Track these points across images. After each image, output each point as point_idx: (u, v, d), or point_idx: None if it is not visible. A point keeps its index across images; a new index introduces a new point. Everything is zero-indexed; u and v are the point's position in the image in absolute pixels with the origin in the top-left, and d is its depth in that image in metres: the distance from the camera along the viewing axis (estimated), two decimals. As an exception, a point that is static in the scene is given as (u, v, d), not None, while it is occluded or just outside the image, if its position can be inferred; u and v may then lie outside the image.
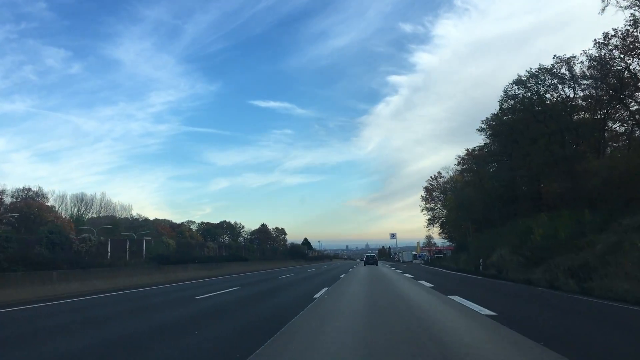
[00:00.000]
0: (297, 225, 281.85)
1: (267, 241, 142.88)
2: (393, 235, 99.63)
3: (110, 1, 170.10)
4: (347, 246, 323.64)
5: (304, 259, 58.58)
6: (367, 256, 69.01)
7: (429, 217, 68.50)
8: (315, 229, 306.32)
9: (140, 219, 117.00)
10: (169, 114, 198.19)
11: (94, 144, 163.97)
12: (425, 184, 65.75)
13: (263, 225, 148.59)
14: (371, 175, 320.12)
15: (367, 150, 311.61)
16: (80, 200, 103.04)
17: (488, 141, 48.70)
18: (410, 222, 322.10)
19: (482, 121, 47.70)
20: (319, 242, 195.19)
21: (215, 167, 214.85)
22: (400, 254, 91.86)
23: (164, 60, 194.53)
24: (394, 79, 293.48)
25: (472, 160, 50.43)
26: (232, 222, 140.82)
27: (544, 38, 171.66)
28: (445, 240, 74.99)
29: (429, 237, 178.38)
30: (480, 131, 48.30)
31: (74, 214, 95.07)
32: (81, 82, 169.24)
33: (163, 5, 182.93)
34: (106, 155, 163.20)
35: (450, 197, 47.68)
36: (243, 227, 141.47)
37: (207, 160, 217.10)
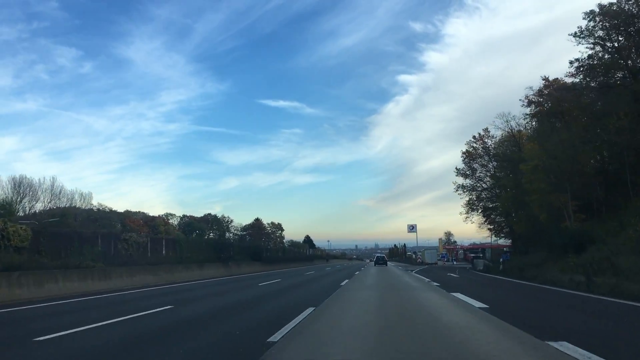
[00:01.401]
0: (306, 224, 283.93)
1: (261, 238, 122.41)
2: (412, 228, 76.04)
3: (121, 0, 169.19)
4: (356, 245, 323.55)
5: (259, 262, 35.27)
6: (377, 257, 75.41)
7: (467, 198, 47.27)
8: (324, 228, 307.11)
9: (106, 210, 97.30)
10: (179, 113, 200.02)
11: (105, 143, 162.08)
12: (465, 147, 44.43)
13: (257, 219, 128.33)
14: (381, 175, 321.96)
15: (377, 150, 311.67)
16: (19, 184, 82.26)
17: (592, 51, 27.55)
18: (420, 222, 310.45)
19: (585, 14, 26.69)
20: (328, 241, 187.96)
21: (225, 166, 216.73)
22: (419, 254, 69.54)
23: (174, 59, 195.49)
24: (403, 78, 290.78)
25: (557, 94, 29.26)
26: (219, 215, 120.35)
27: (556, 37, 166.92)
28: (490, 235, 53.54)
29: (448, 234, 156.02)
30: (579, 37, 27.28)
31: (14, 200, 75.16)
32: (92, 81, 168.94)
33: (173, 5, 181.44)
34: (117, 154, 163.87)
35: (533, 148, 26.41)
36: (231, 221, 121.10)
37: (217, 160, 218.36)
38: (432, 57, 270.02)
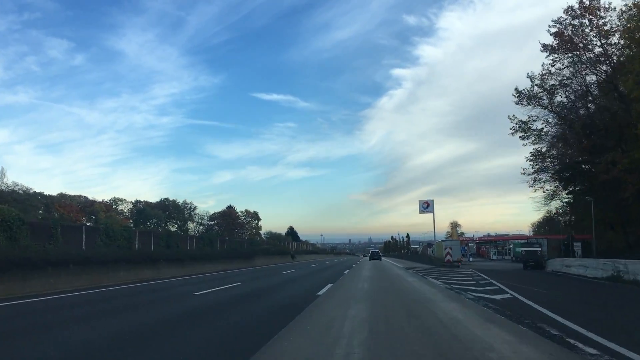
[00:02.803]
0: (300, 218, 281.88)
1: (233, 229, 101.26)
2: (427, 206, 51.32)
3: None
4: (349, 240, 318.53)
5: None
6: (372, 252, 79.40)
7: (539, 147, 26.44)
8: (318, 222, 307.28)
9: (29, 192, 75.76)
10: (172, 107, 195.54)
11: (97, 136, 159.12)
12: (551, 28, 22.72)
13: (229, 207, 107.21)
14: (374, 169, 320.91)
15: (371, 144, 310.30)
16: None
17: None
18: (413, 217, 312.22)
19: None
20: (321, 235, 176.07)
21: (219, 160, 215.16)
22: (446, 248, 45.98)
23: (167, 52, 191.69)
24: (397, 72, 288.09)
25: None
26: (180, 201, 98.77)
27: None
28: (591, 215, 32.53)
29: (454, 225, 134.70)
30: None
31: None
32: (84, 73, 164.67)
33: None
34: (110, 147, 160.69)
35: None
36: (195, 207, 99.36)
37: (211, 153, 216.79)
38: (426, 50, 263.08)
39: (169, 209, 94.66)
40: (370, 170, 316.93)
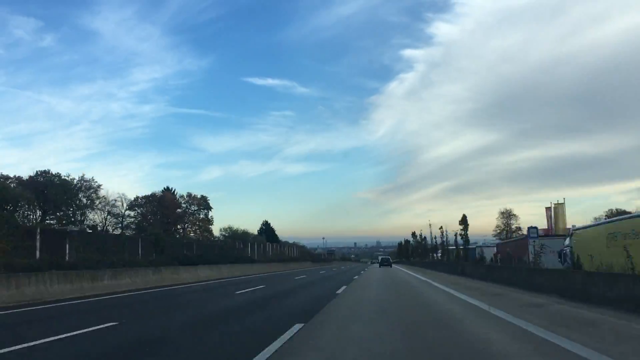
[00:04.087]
0: (300, 219, 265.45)
1: (168, 222, 64.23)
2: None
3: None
4: (355, 243, 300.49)
5: None
6: (382, 258, 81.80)
7: None
8: (320, 224, 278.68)
9: None
10: (153, 93, 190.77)
11: (70, 127, 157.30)
12: None
13: (167, 189, 70.80)
14: (383, 164, 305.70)
15: (378, 135, 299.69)
16: None
17: None
18: (428, 217, 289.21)
19: None
20: (323, 238, 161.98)
21: (207, 154, 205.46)
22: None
23: (148, 31, 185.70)
24: (408, 52, 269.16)
25: None
26: (73, 178, 60.94)
27: (581, 6, 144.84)
28: None
29: (506, 213, 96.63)
30: None
31: None
32: (54, 56, 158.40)
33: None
34: (84, 139, 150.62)
35: None
36: (98, 187, 61.11)
37: (198, 146, 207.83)
38: (441, 28, 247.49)
39: (47, 189, 57.84)
40: (379, 165, 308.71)
